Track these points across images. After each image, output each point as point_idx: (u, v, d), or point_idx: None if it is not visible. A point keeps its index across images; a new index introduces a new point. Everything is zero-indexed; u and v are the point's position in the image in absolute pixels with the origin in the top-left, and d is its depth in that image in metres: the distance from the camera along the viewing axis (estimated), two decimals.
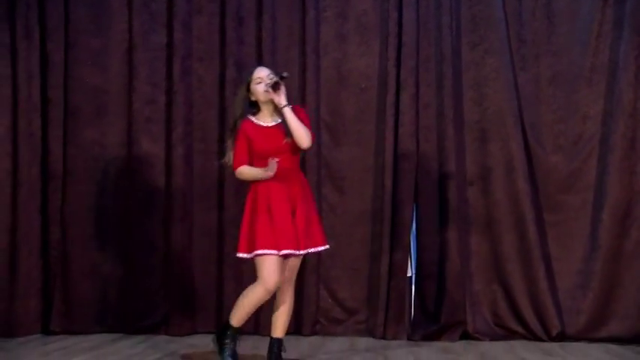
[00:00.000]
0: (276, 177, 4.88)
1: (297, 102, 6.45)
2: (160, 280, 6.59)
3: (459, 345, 6.12)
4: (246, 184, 5.94)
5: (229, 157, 5.05)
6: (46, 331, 6.53)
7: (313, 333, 6.46)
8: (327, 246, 5.16)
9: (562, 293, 6.36)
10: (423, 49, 6.43)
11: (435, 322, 6.34)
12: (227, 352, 5.01)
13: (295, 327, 6.43)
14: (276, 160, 4.83)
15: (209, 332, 6.37)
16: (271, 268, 4.85)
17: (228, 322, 5.06)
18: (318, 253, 6.33)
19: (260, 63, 6.44)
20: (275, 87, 4.90)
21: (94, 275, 6.63)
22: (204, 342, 6.03)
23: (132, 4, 6.63)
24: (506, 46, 6.45)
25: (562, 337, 6.25)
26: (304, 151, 5.16)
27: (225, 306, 6.47)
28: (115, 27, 6.67)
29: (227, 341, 5.05)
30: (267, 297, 4.92)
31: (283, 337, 5.11)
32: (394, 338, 6.25)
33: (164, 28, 6.62)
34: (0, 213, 6.47)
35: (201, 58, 6.64)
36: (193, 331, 6.51)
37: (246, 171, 4.99)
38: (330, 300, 6.55)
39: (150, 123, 6.62)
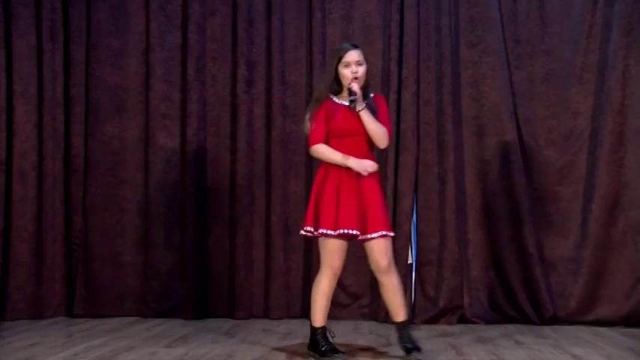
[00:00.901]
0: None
1: (302, 100, 6.55)
2: (175, 266, 6.62)
3: (457, 328, 6.11)
4: (257, 179, 6.07)
5: (306, 127, 4.85)
6: (70, 313, 6.58)
7: None
8: (392, 233, 4.87)
9: (554, 279, 6.37)
10: (424, 49, 6.44)
11: (434, 306, 6.35)
12: (328, 354, 4.77)
13: (302, 312, 6.47)
14: (376, 167, 4.74)
15: (221, 317, 6.50)
16: (334, 249, 4.73)
17: (312, 327, 4.87)
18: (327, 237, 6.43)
19: (268, 60, 6.52)
20: (351, 103, 4.72)
21: (113, 262, 6.68)
22: (217, 325, 6.14)
23: (149, 8, 6.66)
24: (502, 46, 6.44)
25: (554, 320, 6.26)
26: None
27: (236, 292, 6.53)
28: (133, 29, 6.72)
29: (322, 343, 4.81)
30: (334, 280, 4.81)
31: (406, 320, 4.85)
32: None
33: (179, 30, 6.66)
34: (26, 203, 6.53)
35: (214, 57, 6.66)
36: (207, 316, 6.53)
37: (324, 150, 4.78)
38: (336, 286, 6.58)
39: (166, 119, 6.67)
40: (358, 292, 6.58)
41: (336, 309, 6.49)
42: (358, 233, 4.72)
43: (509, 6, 6.52)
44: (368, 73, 4.89)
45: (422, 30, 6.49)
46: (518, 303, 6.38)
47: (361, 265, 6.44)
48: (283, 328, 6.09)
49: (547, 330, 6.04)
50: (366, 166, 4.74)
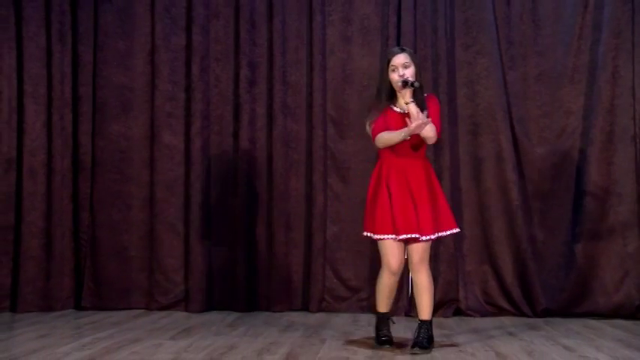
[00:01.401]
0: (399, 161, 4.78)
1: (303, 100, 6.60)
2: (179, 261, 6.62)
3: (453, 321, 6.12)
4: (265, 174, 6.09)
5: (368, 130, 4.87)
6: (78, 306, 6.58)
7: (320, 310, 6.49)
8: (457, 229, 4.94)
9: (546, 273, 6.38)
10: (420, 50, 6.42)
11: None
12: (379, 338, 4.93)
13: (303, 304, 6.52)
14: (424, 119, 4.61)
15: (224, 309, 6.52)
16: (390, 252, 4.76)
17: (376, 311, 5.03)
18: (324, 237, 6.53)
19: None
20: (405, 85, 4.70)
21: (120, 256, 6.68)
22: (220, 318, 6.15)
23: (154, 10, 6.66)
24: (496, 47, 6.45)
25: (546, 313, 6.26)
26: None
27: (238, 286, 6.53)
28: (139, 31, 6.72)
29: (381, 327, 4.98)
30: (393, 278, 4.82)
31: (430, 319, 4.87)
32: (393, 314, 6.11)
33: (183, 32, 6.66)
34: (36, 200, 6.55)
35: (218, 58, 6.67)
36: (210, 308, 6.55)
37: (384, 135, 4.76)
38: (335, 280, 6.57)
39: (171, 118, 6.67)
40: (357, 286, 6.60)
41: (335, 302, 6.57)
42: (418, 236, 4.74)
43: (503, 9, 6.54)
44: (418, 73, 4.84)
45: (418, 32, 6.50)
46: (511, 296, 6.38)
47: (360, 259, 6.57)
48: (284, 320, 6.11)
49: (539, 322, 6.05)
50: (419, 120, 4.63)
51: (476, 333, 5.54)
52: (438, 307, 6.30)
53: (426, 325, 4.85)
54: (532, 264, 6.37)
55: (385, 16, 6.59)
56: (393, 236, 4.73)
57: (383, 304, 4.98)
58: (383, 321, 5.00)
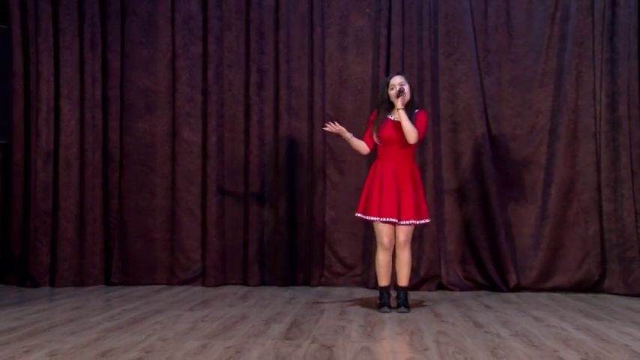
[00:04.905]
0: (390, 161, 5.15)
1: (305, 101, 6.58)
2: (197, 241, 6.62)
3: (436, 294, 6.14)
4: (271, 167, 6.08)
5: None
6: (108, 282, 6.60)
7: (319, 284, 6.51)
8: (428, 220, 5.30)
9: (518, 253, 6.40)
10: (407, 58, 6.44)
11: (416, 275, 6.29)
12: (380, 307, 5.15)
13: (305, 279, 6.52)
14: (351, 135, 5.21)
15: (236, 284, 6.54)
16: (382, 231, 5.14)
17: (378, 286, 5.29)
18: (324, 220, 6.53)
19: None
20: (398, 95, 5.13)
21: (145, 238, 6.69)
22: (233, 291, 6.15)
23: (174, 22, 6.67)
24: (475, 55, 6.46)
25: (518, 288, 6.29)
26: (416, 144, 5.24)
27: (249, 263, 6.54)
28: (160, 40, 6.71)
29: (380, 299, 5.20)
30: (386, 253, 5.17)
31: (407, 285, 5.24)
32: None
33: (200, 41, 6.66)
34: (71, 188, 6.54)
35: (231, 65, 6.66)
36: (224, 283, 6.56)
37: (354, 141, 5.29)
38: (333, 258, 6.58)
39: (189, 117, 6.66)
40: (352, 263, 6.60)
41: (332, 277, 6.57)
42: (397, 220, 5.13)
43: (481, 21, 6.54)
44: (412, 92, 5.25)
45: (406, 42, 6.48)
46: (487, 273, 6.40)
47: (355, 240, 6.58)
48: (288, 293, 6.11)
49: (512, 296, 6.08)
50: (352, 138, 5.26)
51: (456, 305, 5.55)
52: (422, 282, 6.39)
53: (404, 290, 5.24)
54: (505, 245, 6.37)
55: (377, 28, 6.58)
56: (378, 218, 5.13)
57: (382, 278, 5.25)
58: (383, 294, 5.24)
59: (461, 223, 6.52)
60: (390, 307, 5.18)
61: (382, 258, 5.21)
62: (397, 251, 5.22)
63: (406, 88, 5.20)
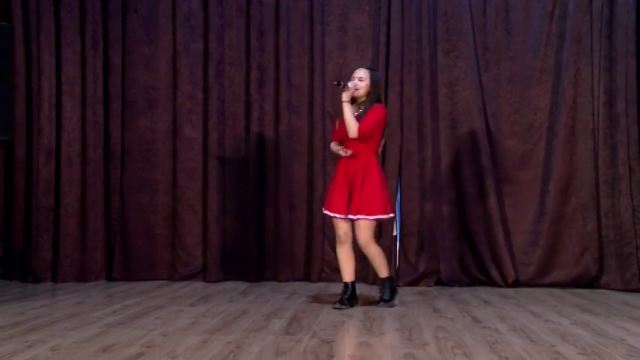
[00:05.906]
0: (347, 159, 5.08)
1: (305, 99, 6.57)
2: (198, 238, 6.63)
3: (434, 290, 6.14)
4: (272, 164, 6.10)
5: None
6: (110, 278, 6.59)
7: (319, 280, 6.52)
8: (384, 216, 5.10)
9: (516, 249, 6.40)
10: (406, 56, 6.44)
11: (415, 271, 6.37)
12: (340, 303, 5.08)
13: (305, 275, 6.52)
14: (349, 152, 5.05)
15: (237, 280, 6.53)
16: (335, 225, 5.13)
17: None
18: (323, 217, 6.47)
19: (277, 67, 6.56)
20: (339, 85, 5.05)
21: (146, 234, 6.68)
22: (233, 287, 6.15)
23: (175, 20, 6.66)
24: (473, 53, 6.46)
25: (516, 283, 6.29)
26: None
27: (249, 259, 6.53)
28: (162, 38, 6.70)
29: (343, 293, 5.15)
30: (342, 245, 5.14)
31: (386, 276, 5.18)
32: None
33: (201, 39, 6.65)
34: (73, 185, 6.54)
35: (231, 62, 6.65)
36: (224, 279, 6.56)
37: (332, 146, 5.27)
38: (332, 253, 6.46)
39: (190, 114, 6.66)
40: None
41: (333, 273, 6.53)
42: (341, 216, 5.08)
43: (480, 18, 6.54)
44: (371, 88, 5.10)
45: (405, 39, 6.48)
46: (486, 269, 6.42)
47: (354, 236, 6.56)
48: (289, 288, 6.12)
49: (510, 292, 6.08)
50: (342, 150, 5.12)
51: (455, 300, 5.56)
52: (421, 278, 6.40)
53: (385, 280, 5.21)
54: (504, 241, 6.38)
55: (376, 26, 6.58)
56: (329, 212, 5.14)
57: (342, 274, 5.24)
58: (343, 289, 5.20)
59: (459, 219, 6.51)
60: (343, 303, 5.07)
61: (339, 252, 5.20)
62: (362, 250, 5.15)
63: (363, 83, 5.07)
